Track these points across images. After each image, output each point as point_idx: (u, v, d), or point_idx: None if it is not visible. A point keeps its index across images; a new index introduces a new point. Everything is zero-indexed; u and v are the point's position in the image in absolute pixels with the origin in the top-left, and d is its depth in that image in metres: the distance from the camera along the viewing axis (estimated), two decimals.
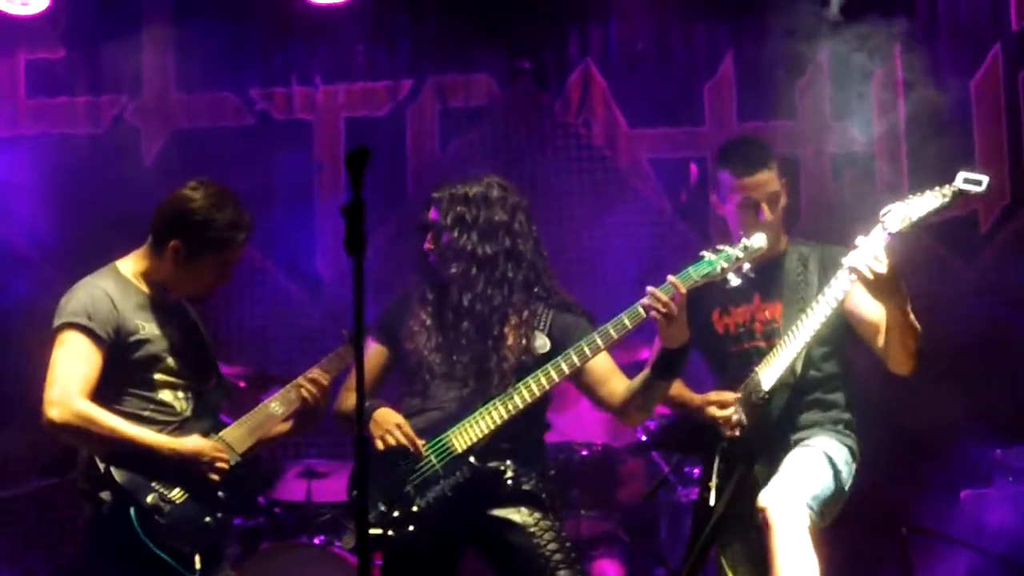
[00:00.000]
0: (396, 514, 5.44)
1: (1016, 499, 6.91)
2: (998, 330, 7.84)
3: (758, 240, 5.40)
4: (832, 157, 8.54)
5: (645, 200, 8.77)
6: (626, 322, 5.35)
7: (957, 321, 7.56)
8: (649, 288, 5.29)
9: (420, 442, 5.44)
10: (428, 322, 5.60)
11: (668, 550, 7.48)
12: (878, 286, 5.35)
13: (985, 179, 5.30)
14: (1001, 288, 8.19)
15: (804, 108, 8.57)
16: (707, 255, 5.38)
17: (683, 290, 5.28)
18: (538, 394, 5.40)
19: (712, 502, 5.69)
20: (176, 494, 5.39)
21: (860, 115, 8.45)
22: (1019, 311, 7.97)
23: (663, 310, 5.25)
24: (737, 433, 5.70)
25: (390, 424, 5.46)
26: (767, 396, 5.69)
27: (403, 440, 5.42)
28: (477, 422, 5.42)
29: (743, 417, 5.69)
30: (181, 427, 5.48)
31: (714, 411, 5.72)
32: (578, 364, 5.39)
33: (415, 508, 5.45)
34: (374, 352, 5.70)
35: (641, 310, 5.31)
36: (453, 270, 5.54)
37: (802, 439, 5.74)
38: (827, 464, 5.65)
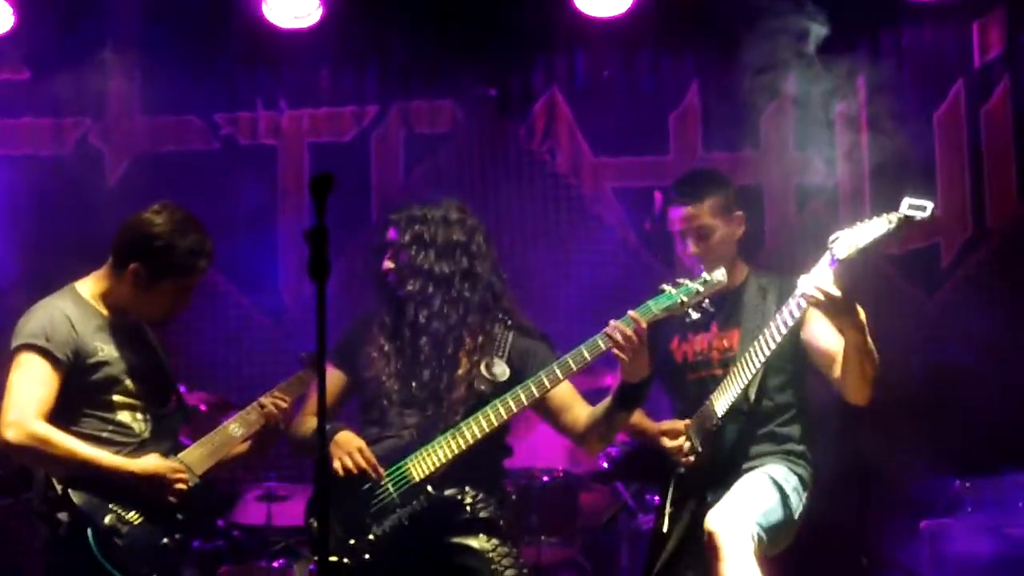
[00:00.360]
0: (353, 542, 5.42)
1: (975, 530, 6.91)
2: (958, 362, 7.82)
3: (718, 275, 5.40)
4: (796, 187, 8.57)
5: (609, 229, 8.78)
6: (585, 355, 5.35)
7: (917, 352, 7.56)
8: (611, 322, 5.30)
9: (380, 468, 5.43)
10: (386, 347, 5.59)
11: None
12: (833, 310, 5.36)
13: (930, 205, 5.31)
14: (962, 320, 8.20)
15: (769, 139, 8.60)
16: (667, 288, 5.38)
17: (643, 324, 5.28)
18: (496, 424, 5.38)
19: (664, 529, 5.72)
20: (134, 516, 5.36)
21: (824, 146, 8.44)
22: (977, 345, 7.99)
23: (623, 343, 5.26)
24: (691, 459, 5.71)
25: (351, 448, 5.44)
26: (720, 423, 5.70)
27: (363, 464, 5.41)
28: (435, 451, 5.41)
29: (696, 445, 5.70)
30: (140, 448, 5.46)
31: (667, 441, 5.73)
32: (537, 396, 5.38)
33: (371, 536, 5.43)
34: (332, 378, 5.66)
35: (601, 343, 5.31)
36: (410, 288, 5.53)
37: (753, 467, 5.75)
38: (774, 488, 5.65)
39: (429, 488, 5.40)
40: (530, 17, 8.57)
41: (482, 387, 5.47)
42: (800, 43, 8.16)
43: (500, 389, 5.44)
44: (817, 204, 8.48)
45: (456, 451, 5.38)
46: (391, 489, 5.43)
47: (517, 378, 5.44)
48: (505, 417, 5.38)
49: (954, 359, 7.86)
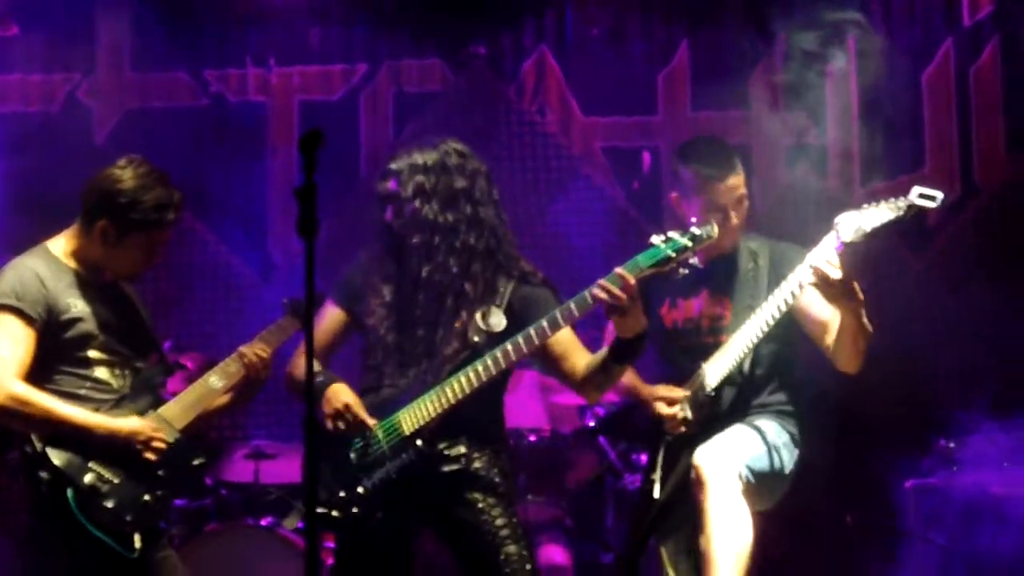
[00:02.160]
0: (342, 495, 5.40)
1: (960, 489, 6.90)
2: (944, 322, 7.79)
3: (709, 229, 5.31)
4: (785, 147, 8.53)
5: (598, 188, 8.76)
6: (573, 310, 5.28)
7: (904, 312, 7.52)
8: (599, 281, 5.23)
9: (371, 422, 5.39)
10: (388, 298, 5.53)
11: (614, 537, 7.47)
12: (833, 292, 5.32)
13: (940, 195, 5.27)
14: (949, 278, 8.23)
15: (758, 98, 8.56)
16: (656, 242, 5.29)
17: (631, 281, 5.20)
18: (484, 377, 5.31)
19: (656, 494, 5.70)
20: (114, 474, 5.34)
21: (813, 106, 8.46)
22: (963, 302, 7.99)
23: (610, 300, 5.19)
24: (682, 430, 5.68)
25: (340, 403, 5.41)
26: (713, 394, 5.68)
27: (351, 421, 5.38)
28: (426, 404, 5.36)
29: (688, 414, 5.68)
30: (118, 404, 5.44)
31: (662, 408, 5.71)
32: (525, 351, 5.30)
33: (360, 489, 5.40)
34: (332, 316, 5.66)
35: (589, 298, 5.24)
36: (415, 241, 5.46)
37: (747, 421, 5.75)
38: (761, 439, 5.66)
39: (419, 442, 5.35)
40: None
41: (476, 339, 5.38)
42: (790, 2, 8.18)
43: (496, 340, 5.36)
44: (805, 164, 8.44)
45: (446, 404, 5.33)
46: (382, 442, 5.39)
47: (517, 327, 5.35)
48: (493, 371, 5.30)
49: (940, 319, 7.82)
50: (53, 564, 5.39)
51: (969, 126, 8.46)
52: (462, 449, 5.46)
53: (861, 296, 5.34)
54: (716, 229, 5.36)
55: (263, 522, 7.32)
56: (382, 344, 5.54)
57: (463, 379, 5.32)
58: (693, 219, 5.44)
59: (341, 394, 5.44)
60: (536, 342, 5.31)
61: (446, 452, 5.44)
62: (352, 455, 5.44)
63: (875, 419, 7.47)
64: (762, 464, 5.63)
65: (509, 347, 5.29)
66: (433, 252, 5.46)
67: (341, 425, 5.39)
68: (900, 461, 7.17)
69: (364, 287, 5.60)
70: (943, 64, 8.49)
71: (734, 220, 5.81)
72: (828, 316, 5.55)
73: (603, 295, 5.19)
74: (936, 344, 7.60)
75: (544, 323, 5.29)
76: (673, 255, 5.22)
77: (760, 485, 5.60)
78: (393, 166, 5.56)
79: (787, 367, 5.85)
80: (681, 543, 5.78)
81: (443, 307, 5.46)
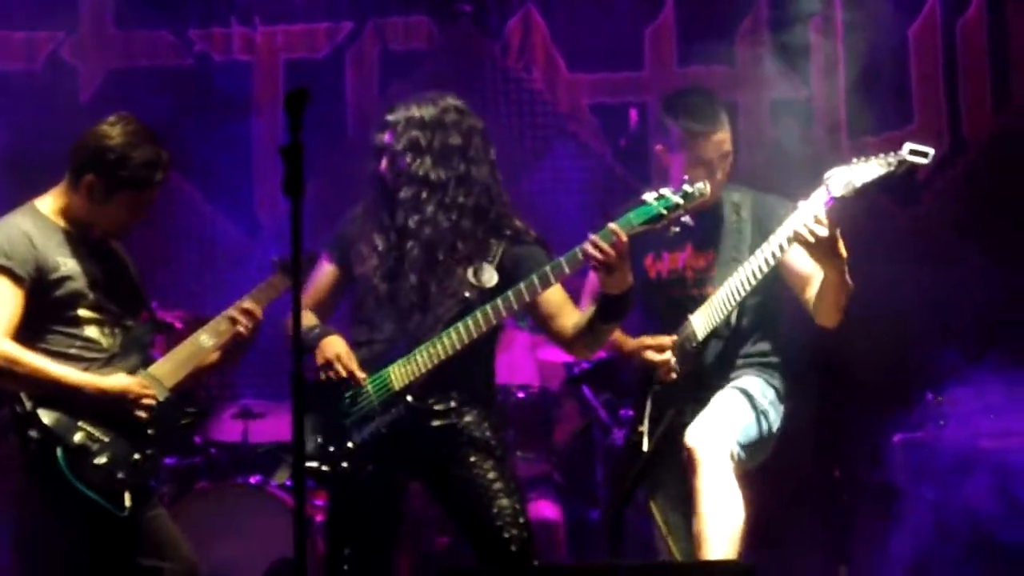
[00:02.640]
0: (331, 449, 5.44)
1: (948, 444, 6.93)
2: (931, 277, 7.81)
3: (700, 187, 5.31)
4: (771, 102, 8.53)
5: (585, 145, 8.76)
6: (564, 266, 5.30)
7: (891, 267, 7.53)
8: (590, 236, 5.23)
9: (361, 375, 5.43)
10: (380, 247, 5.55)
11: (604, 492, 7.45)
12: (819, 249, 5.33)
13: (931, 151, 5.28)
14: (936, 233, 8.23)
15: (743, 53, 8.55)
16: (648, 199, 5.30)
17: (623, 237, 5.22)
18: (475, 333, 5.34)
19: (645, 447, 5.72)
20: (103, 433, 5.35)
21: (799, 60, 8.46)
22: (951, 258, 8.01)
23: (601, 258, 5.20)
24: (672, 377, 5.70)
25: (332, 355, 5.44)
26: (700, 345, 5.70)
27: (342, 373, 5.42)
28: (416, 358, 5.38)
29: (675, 362, 5.69)
30: (108, 363, 5.45)
31: (651, 355, 5.74)
32: (515, 306, 5.34)
33: (350, 444, 5.44)
34: (327, 272, 5.71)
35: (580, 255, 5.26)
36: (404, 194, 5.47)
37: (730, 381, 5.76)
38: (749, 406, 5.69)
39: (409, 397, 5.38)
40: None
41: (467, 294, 5.42)
42: None
43: (487, 296, 5.39)
44: (791, 119, 8.43)
45: (436, 360, 5.35)
46: (372, 396, 5.42)
47: (508, 285, 5.37)
48: (484, 327, 5.33)
49: (927, 274, 7.84)
50: (45, 522, 5.40)
51: (956, 80, 8.45)
52: (452, 404, 5.50)
53: (845, 253, 5.36)
54: (708, 187, 5.38)
55: (252, 480, 7.36)
56: (373, 293, 5.55)
57: (454, 334, 5.35)
58: (684, 176, 5.46)
59: (335, 345, 5.47)
60: (527, 298, 5.34)
61: (436, 407, 5.48)
62: (342, 409, 5.47)
63: (861, 374, 7.46)
64: (752, 432, 5.68)
65: (500, 303, 5.32)
66: (422, 206, 5.47)
67: (332, 375, 5.42)
68: (888, 416, 7.21)
69: (356, 237, 5.61)
70: (929, 18, 8.46)
71: (719, 175, 5.82)
72: (810, 270, 5.57)
73: (594, 251, 5.21)
74: (923, 299, 7.61)
75: (535, 279, 5.31)
76: (665, 212, 5.24)
77: (750, 452, 5.66)
78: (390, 118, 5.57)
79: (771, 318, 5.88)
80: (670, 495, 5.80)
81: (434, 259, 5.48)
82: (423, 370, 5.39)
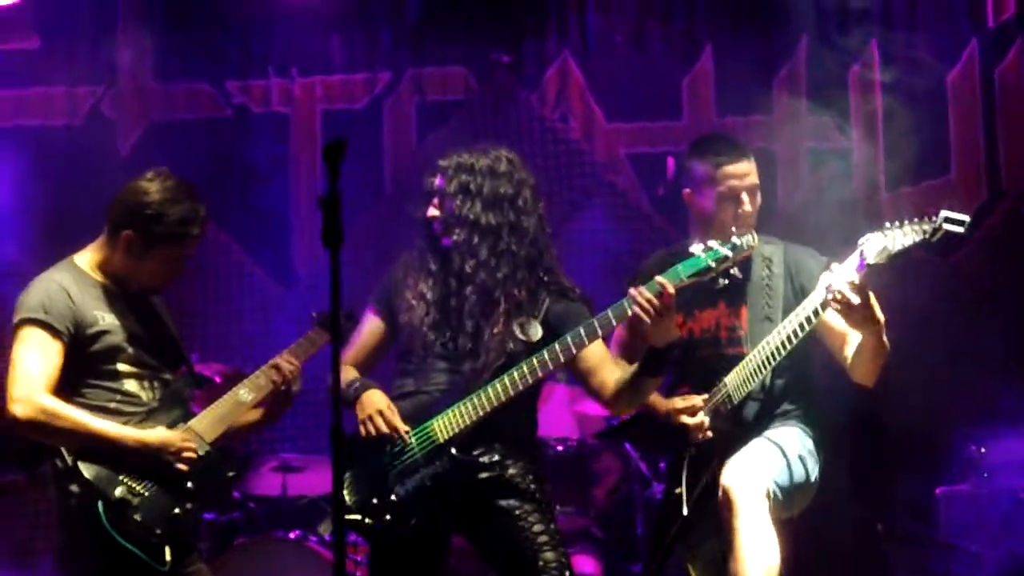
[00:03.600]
0: (375, 501, 5.44)
1: (990, 496, 6.92)
2: (972, 326, 7.80)
3: (748, 239, 5.31)
4: (809, 151, 8.53)
5: (623, 194, 8.77)
6: (611, 318, 5.32)
7: (933, 320, 7.52)
8: (635, 288, 5.24)
9: (404, 428, 5.43)
10: (427, 295, 5.56)
11: (643, 546, 7.45)
12: (854, 316, 5.32)
13: (967, 219, 5.25)
14: (977, 284, 8.21)
15: (781, 102, 8.56)
16: (696, 252, 5.31)
17: (671, 289, 5.23)
18: (521, 386, 5.34)
19: (684, 510, 5.70)
20: (144, 487, 5.37)
21: (837, 110, 8.46)
22: (993, 306, 7.99)
23: (648, 308, 5.22)
24: (706, 437, 5.70)
25: (374, 410, 5.45)
26: (736, 407, 5.68)
27: (384, 428, 5.43)
28: (461, 411, 5.39)
29: (708, 423, 5.69)
30: (148, 417, 5.47)
31: (685, 419, 5.70)
32: (562, 360, 5.34)
33: (394, 497, 5.44)
34: (372, 325, 5.71)
35: (627, 307, 5.27)
36: (455, 237, 5.50)
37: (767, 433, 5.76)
38: (782, 453, 5.65)
39: (453, 450, 5.40)
40: None
41: (514, 347, 5.43)
42: (816, 5, 8.19)
43: (532, 350, 5.39)
44: (829, 168, 8.44)
45: (481, 412, 5.37)
46: (416, 449, 5.43)
47: (551, 340, 5.38)
48: (530, 380, 5.34)
49: (968, 325, 7.82)
50: None
51: (995, 128, 8.44)
52: (497, 456, 5.50)
53: (882, 318, 5.35)
54: (756, 239, 5.38)
55: (291, 535, 7.34)
56: (419, 341, 5.56)
57: (499, 387, 5.36)
58: (733, 229, 5.47)
59: (376, 400, 5.48)
60: (574, 351, 5.36)
61: (481, 459, 5.48)
62: (386, 462, 5.49)
63: (905, 426, 7.45)
64: (786, 477, 5.64)
65: (547, 355, 5.33)
66: (475, 250, 5.49)
67: (372, 430, 5.43)
68: (930, 468, 7.20)
69: (402, 286, 5.63)
70: (968, 66, 8.47)
71: (747, 207, 5.79)
72: (846, 329, 5.54)
73: (641, 300, 5.23)
74: (963, 348, 7.58)
75: (582, 331, 5.33)
76: (713, 265, 5.26)
77: (788, 496, 5.62)
78: (442, 163, 5.62)
79: (805, 377, 5.84)
80: (708, 554, 5.77)
81: (484, 308, 5.50)
82: (468, 422, 5.40)
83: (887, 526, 7.42)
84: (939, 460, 7.14)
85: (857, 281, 5.25)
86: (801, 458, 5.71)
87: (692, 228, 6.01)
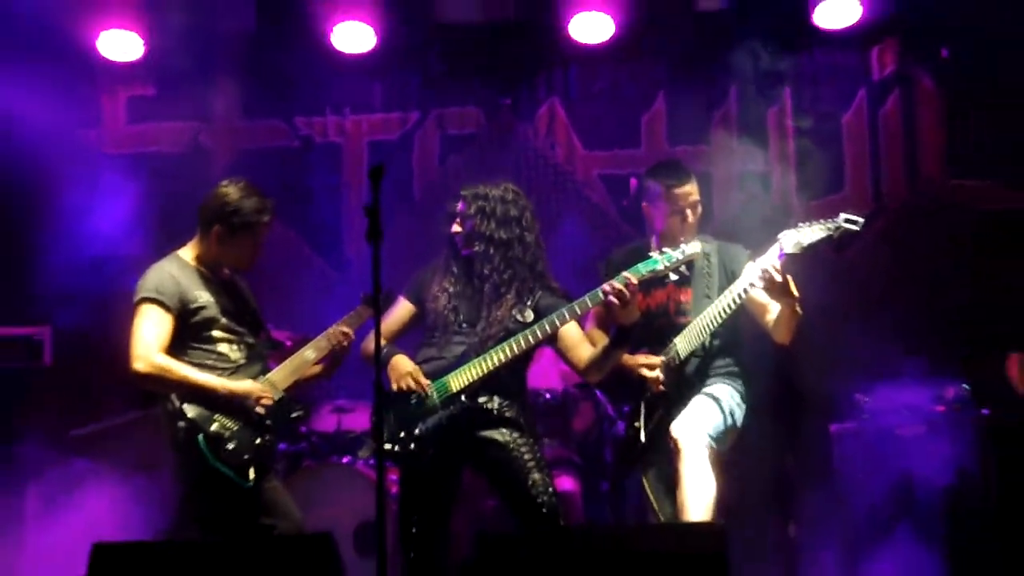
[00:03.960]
0: (403, 435, 5.51)
1: (871, 433, 6.91)
2: (860, 308, 7.80)
3: (695, 246, 5.41)
4: (739, 174, 8.51)
5: (596, 206, 8.74)
6: (588, 302, 5.41)
7: (830, 302, 7.47)
8: (610, 282, 5.33)
9: (426, 383, 5.52)
10: (450, 289, 5.66)
11: (610, 470, 7.40)
12: (775, 291, 5.39)
13: (862, 220, 5.36)
14: (863, 275, 8.18)
15: (718, 136, 8.54)
16: (654, 255, 5.40)
17: (635, 282, 5.31)
18: (516, 352, 5.46)
19: (641, 439, 5.74)
20: (233, 423, 5.42)
21: (759, 142, 8.44)
22: (873, 289, 7.97)
23: (617, 297, 5.30)
24: (660, 388, 5.73)
25: (403, 372, 5.52)
26: (682, 362, 5.72)
27: (412, 385, 5.52)
28: (470, 369, 5.49)
29: (662, 376, 5.72)
30: (236, 372, 5.53)
31: (645, 372, 5.74)
32: (549, 332, 5.45)
33: (417, 432, 5.52)
34: (402, 308, 5.81)
35: (600, 294, 5.35)
36: (475, 248, 5.59)
37: (705, 387, 5.78)
38: (719, 408, 5.70)
39: (463, 398, 5.49)
40: (536, 43, 8.56)
41: (512, 327, 5.53)
42: (743, 63, 8.15)
43: (524, 328, 5.51)
44: (754, 187, 8.44)
45: (485, 370, 5.47)
46: (435, 398, 5.50)
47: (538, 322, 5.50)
48: (524, 347, 5.45)
49: (857, 302, 7.81)
50: (192, 493, 5.49)
51: (879, 157, 8.45)
52: (496, 403, 5.56)
53: (796, 293, 5.41)
54: (700, 247, 5.44)
55: (344, 460, 7.40)
56: (442, 322, 5.64)
57: (500, 353, 5.46)
58: (682, 238, 5.55)
59: (404, 364, 5.58)
60: (558, 326, 5.46)
61: (485, 405, 5.55)
62: (412, 407, 5.54)
63: (807, 381, 7.42)
64: (721, 428, 5.68)
65: (537, 329, 5.45)
66: (490, 258, 5.58)
67: (404, 387, 5.51)
68: (826, 412, 7.17)
69: (428, 284, 5.74)
70: (858, 110, 8.49)
71: (690, 219, 5.84)
72: (767, 301, 5.62)
73: (612, 292, 5.30)
74: (852, 322, 7.56)
75: (564, 311, 5.44)
76: (667, 264, 5.36)
77: (721, 440, 5.67)
78: (463, 192, 5.72)
79: (735, 341, 5.90)
80: (658, 474, 5.82)
81: (493, 300, 5.58)
82: (475, 378, 5.49)
83: (796, 458, 7.44)
84: (833, 407, 7.11)
85: (778, 265, 5.32)
86: (732, 409, 5.76)
87: (649, 232, 6.05)
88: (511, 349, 5.47)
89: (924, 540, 6.41)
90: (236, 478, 5.38)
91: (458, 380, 5.53)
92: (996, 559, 6.33)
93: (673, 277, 5.46)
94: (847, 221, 5.38)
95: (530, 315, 5.57)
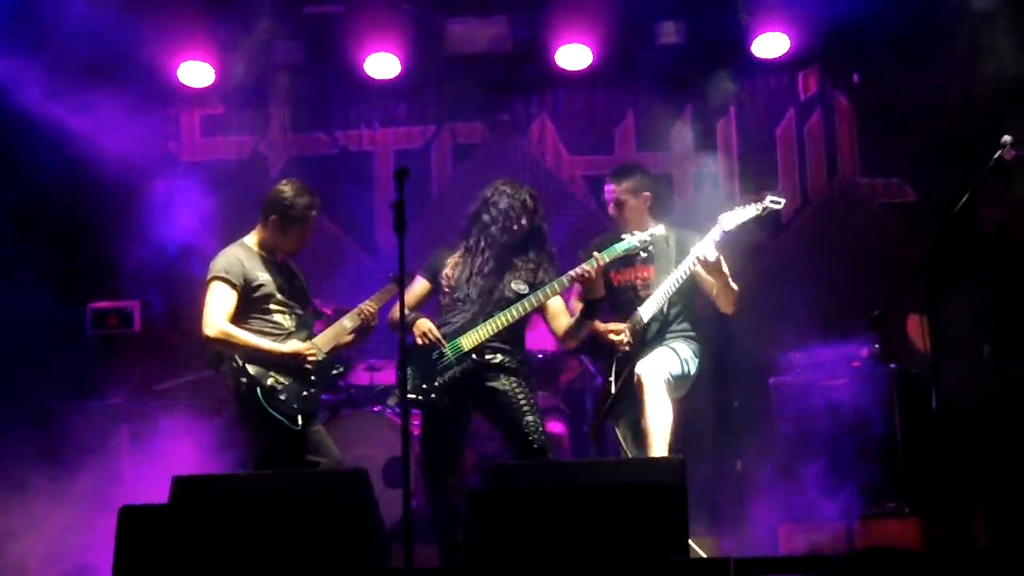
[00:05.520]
0: (424, 386, 5.53)
1: (800, 385, 6.86)
2: (790, 283, 7.74)
3: (659, 230, 5.47)
4: (693, 175, 8.47)
5: (579, 202, 8.69)
6: (565, 281, 5.45)
7: (767, 279, 7.47)
8: (583, 264, 5.41)
9: (443, 341, 5.56)
10: (461, 267, 5.68)
11: (590, 417, 7.41)
12: (708, 267, 5.40)
13: (783, 200, 5.42)
14: (792, 255, 8.18)
15: (676, 144, 8.48)
16: (626, 238, 5.44)
17: (602, 262, 5.33)
18: (515, 317, 5.53)
19: (613, 391, 5.74)
20: (285, 379, 5.44)
21: (710, 148, 8.40)
22: (802, 268, 7.94)
23: (587, 276, 5.32)
24: (626, 349, 5.73)
25: (424, 328, 5.56)
26: (645, 325, 5.72)
27: (432, 339, 5.51)
28: (479, 331, 5.54)
29: (629, 338, 5.72)
30: (287, 337, 5.56)
31: (613, 336, 5.76)
32: (536, 304, 5.51)
33: (436, 383, 5.53)
34: (420, 285, 5.81)
35: (575, 274, 5.37)
36: (493, 230, 5.62)
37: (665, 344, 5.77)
38: (676, 356, 5.73)
39: (474, 355, 5.49)
40: (529, 70, 8.53)
41: (509, 296, 5.55)
42: (696, 85, 8.14)
43: (519, 299, 5.56)
44: (706, 185, 8.40)
45: (491, 331, 5.53)
46: (450, 354, 5.52)
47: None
48: (521, 313, 5.52)
49: (789, 279, 7.77)
50: (251, 436, 5.52)
51: (804, 163, 8.44)
52: (499, 358, 5.57)
53: (726, 270, 5.40)
54: (662, 231, 5.47)
55: (375, 409, 7.38)
56: (455, 293, 5.65)
57: (503, 317, 5.50)
58: (630, 228, 5.56)
59: (425, 322, 5.62)
60: (544, 299, 5.54)
61: (490, 360, 5.54)
62: (431, 362, 5.55)
63: (749, 343, 7.38)
64: (678, 371, 5.70)
65: (532, 299, 5.51)
66: (506, 240, 5.57)
67: (424, 342, 5.53)
68: (765, 367, 7.15)
69: (443, 263, 5.75)
70: (788, 124, 8.47)
71: (611, 212, 5.87)
72: (712, 280, 5.60)
73: (583, 272, 5.33)
74: (785, 295, 7.46)
75: (547, 288, 5.55)
76: (637, 245, 5.39)
77: (677, 384, 5.67)
78: (486, 191, 5.75)
79: (689, 309, 5.92)
80: (629, 422, 5.84)
81: (500, 274, 5.57)
82: (483, 337, 5.52)
83: (740, 403, 7.42)
84: (771, 363, 7.09)
85: (715, 245, 5.32)
86: (687, 360, 5.79)
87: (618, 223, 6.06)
88: (510, 316, 5.52)
89: (842, 470, 6.39)
90: (287, 423, 5.41)
91: (468, 340, 5.56)
92: (900, 483, 6.36)
93: (642, 255, 5.50)
94: (772, 201, 5.46)
95: (524, 288, 5.60)
